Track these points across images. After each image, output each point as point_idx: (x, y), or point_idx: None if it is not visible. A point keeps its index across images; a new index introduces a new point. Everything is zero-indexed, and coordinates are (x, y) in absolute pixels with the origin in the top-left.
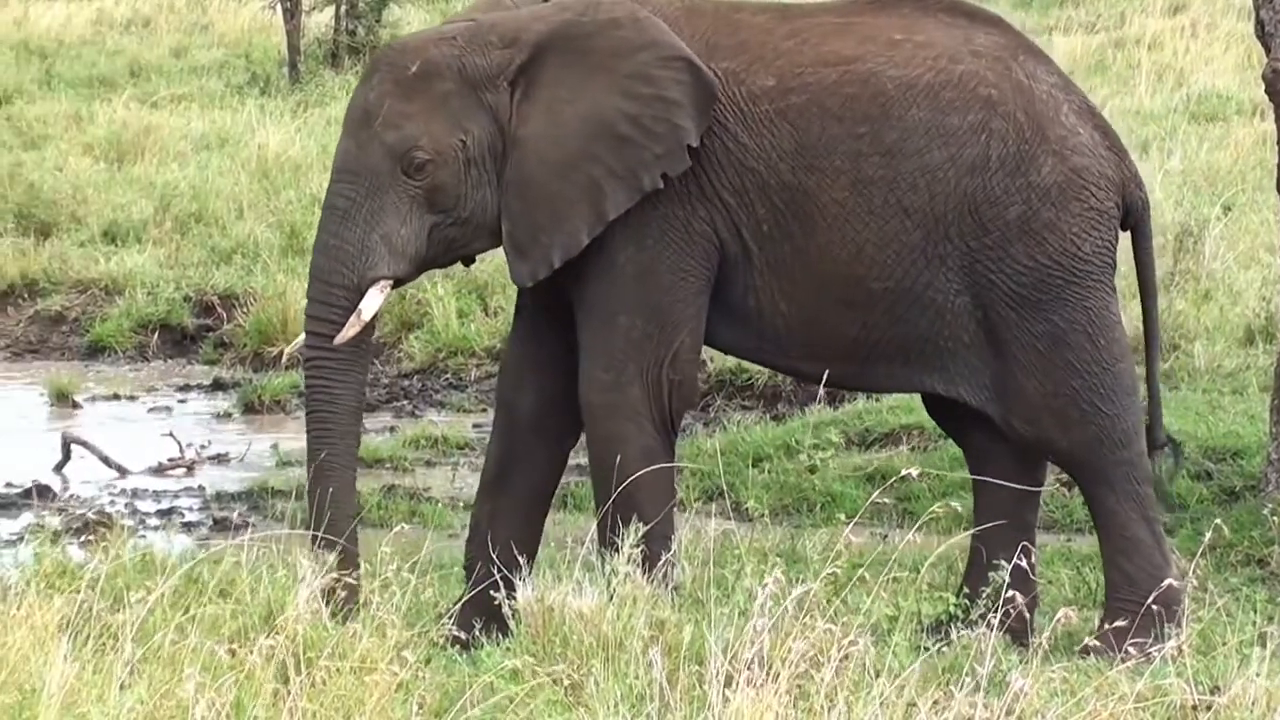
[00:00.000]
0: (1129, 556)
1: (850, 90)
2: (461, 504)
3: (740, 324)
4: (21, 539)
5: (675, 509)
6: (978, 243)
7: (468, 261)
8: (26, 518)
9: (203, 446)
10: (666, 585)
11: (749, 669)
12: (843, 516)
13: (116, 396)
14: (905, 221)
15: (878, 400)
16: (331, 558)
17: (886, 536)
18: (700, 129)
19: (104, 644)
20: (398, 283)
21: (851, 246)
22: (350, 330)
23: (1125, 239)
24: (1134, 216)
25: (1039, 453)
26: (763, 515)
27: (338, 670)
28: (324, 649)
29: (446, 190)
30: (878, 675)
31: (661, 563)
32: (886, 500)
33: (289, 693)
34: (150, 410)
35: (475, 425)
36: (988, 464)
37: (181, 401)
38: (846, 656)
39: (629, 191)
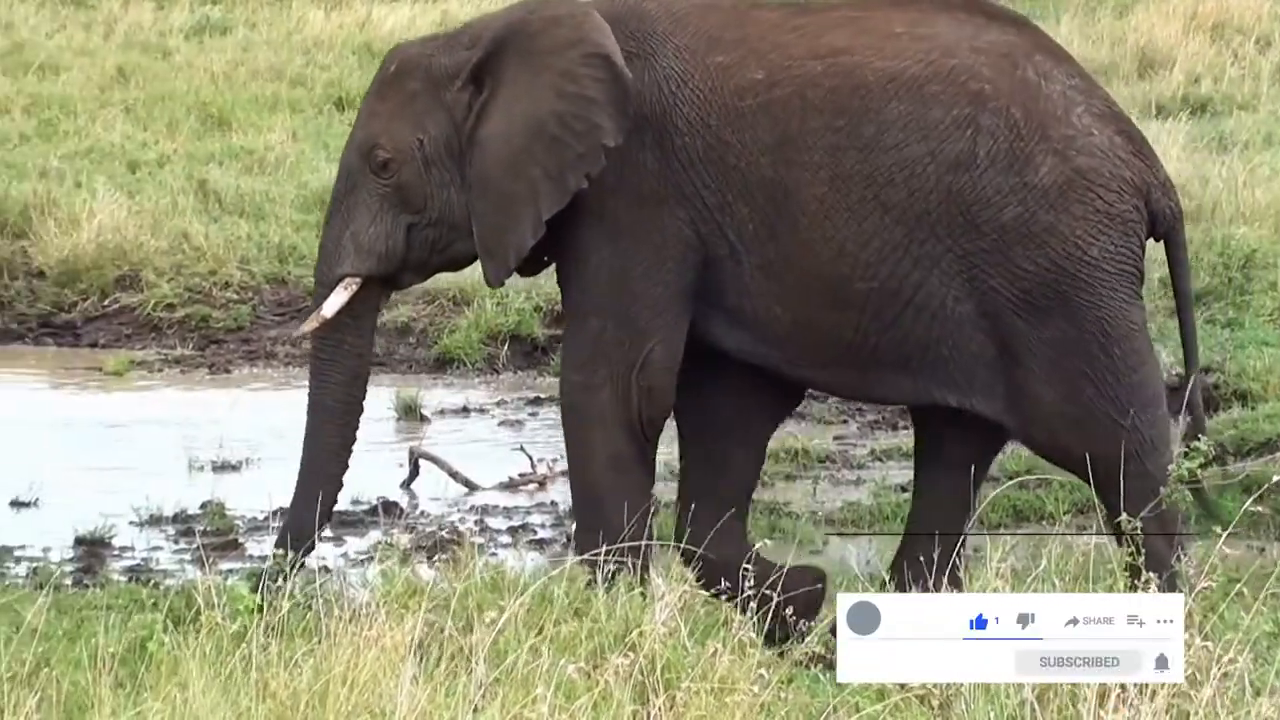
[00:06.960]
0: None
1: (833, 82)
2: (823, 518)
3: (741, 329)
4: (370, 558)
5: (649, 516)
6: (972, 245)
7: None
8: (374, 536)
9: (555, 461)
10: (635, 586)
11: (1122, 688)
12: (1218, 529)
13: (466, 410)
14: (884, 218)
15: (1252, 408)
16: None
17: (1264, 549)
18: (620, 128)
19: (456, 665)
20: (387, 282)
21: (833, 245)
22: (307, 325)
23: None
24: (1163, 225)
25: (1058, 464)
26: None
27: (697, 691)
28: (683, 669)
29: (413, 189)
30: (1258, 694)
31: (630, 573)
32: (1263, 510)
33: (648, 714)
34: (501, 424)
35: (836, 437)
36: None
37: (533, 414)
38: (1225, 675)
39: (560, 192)
